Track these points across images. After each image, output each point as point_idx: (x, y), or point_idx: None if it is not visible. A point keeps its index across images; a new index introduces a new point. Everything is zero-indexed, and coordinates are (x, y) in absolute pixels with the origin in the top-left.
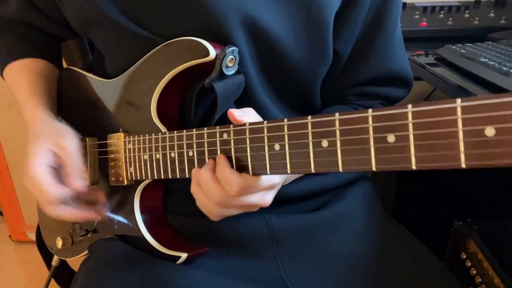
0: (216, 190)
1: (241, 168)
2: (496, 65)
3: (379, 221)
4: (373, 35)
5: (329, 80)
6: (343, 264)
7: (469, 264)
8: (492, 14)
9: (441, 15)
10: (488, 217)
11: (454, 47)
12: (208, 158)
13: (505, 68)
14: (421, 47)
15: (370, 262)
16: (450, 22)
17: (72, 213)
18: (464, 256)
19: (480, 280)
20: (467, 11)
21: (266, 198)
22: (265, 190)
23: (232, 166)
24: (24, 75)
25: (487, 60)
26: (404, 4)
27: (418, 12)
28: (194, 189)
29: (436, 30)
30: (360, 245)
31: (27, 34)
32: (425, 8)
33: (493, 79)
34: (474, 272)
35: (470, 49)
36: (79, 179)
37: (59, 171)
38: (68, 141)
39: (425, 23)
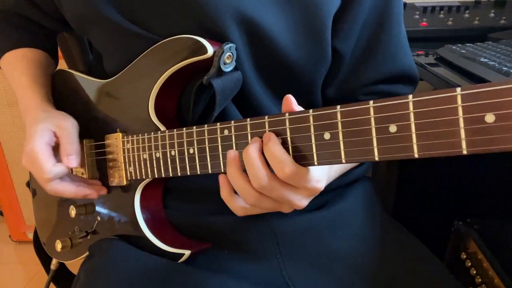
0: (263, 171)
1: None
2: (496, 65)
3: (379, 221)
4: (379, 35)
5: (337, 82)
6: (344, 263)
7: (469, 264)
8: (492, 14)
9: (441, 15)
10: (488, 217)
11: (454, 47)
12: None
13: (505, 68)
14: (421, 47)
15: (370, 262)
16: (450, 22)
17: (70, 188)
18: (464, 256)
19: (480, 280)
20: (467, 11)
21: (302, 202)
22: (308, 191)
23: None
24: (22, 64)
25: (487, 60)
26: (404, 4)
27: (418, 12)
28: (233, 172)
29: (436, 30)
30: (360, 245)
31: (24, 25)
32: (425, 8)
33: (493, 79)
34: (474, 272)
35: (470, 49)
36: (74, 156)
37: (56, 151)
38: (67, 123)
39: (425, 23)
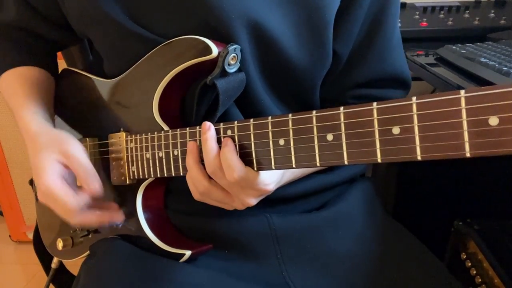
0: (217, 159)
1: (245, 164)
2: (496, 65)
3: (379, 221)
4: (372, 38)
5: (327, 82)
6: (344, 263)
7: (469, 264)
8: (492, 14)
9: (441, 15)
10: (488, 217)
11: (454, 47)
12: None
13: (505, 68)
14: (421, 47)
15: (370, 262)
16: (450, 22)
17: (94, 218)
18: (464, 256)
19: (480, 280)
20: (467, 11)
21: (250, 200)
22: (256, 192)
23: None
24: (17, 83)
25: (487, 60)
26: (404, 4)
27: (418, 12)
28: (190, 162)
29: (436, 30)
30: (360, 245)
31: (24, 40)
32: (425, 8)
33: (493, 79)
34: (474, 272)
35: (470, 49)
36: (95, 182)
37: (68, 179)
38: (72, 148)
39: (425, 23)
